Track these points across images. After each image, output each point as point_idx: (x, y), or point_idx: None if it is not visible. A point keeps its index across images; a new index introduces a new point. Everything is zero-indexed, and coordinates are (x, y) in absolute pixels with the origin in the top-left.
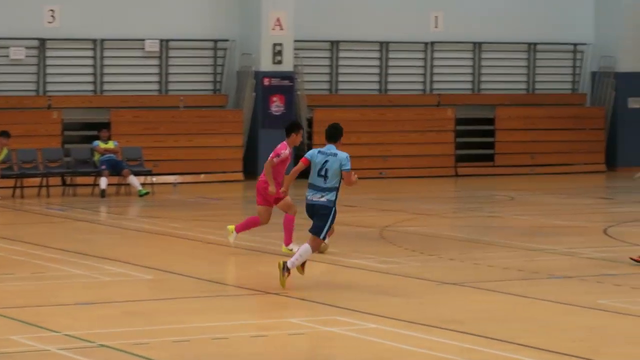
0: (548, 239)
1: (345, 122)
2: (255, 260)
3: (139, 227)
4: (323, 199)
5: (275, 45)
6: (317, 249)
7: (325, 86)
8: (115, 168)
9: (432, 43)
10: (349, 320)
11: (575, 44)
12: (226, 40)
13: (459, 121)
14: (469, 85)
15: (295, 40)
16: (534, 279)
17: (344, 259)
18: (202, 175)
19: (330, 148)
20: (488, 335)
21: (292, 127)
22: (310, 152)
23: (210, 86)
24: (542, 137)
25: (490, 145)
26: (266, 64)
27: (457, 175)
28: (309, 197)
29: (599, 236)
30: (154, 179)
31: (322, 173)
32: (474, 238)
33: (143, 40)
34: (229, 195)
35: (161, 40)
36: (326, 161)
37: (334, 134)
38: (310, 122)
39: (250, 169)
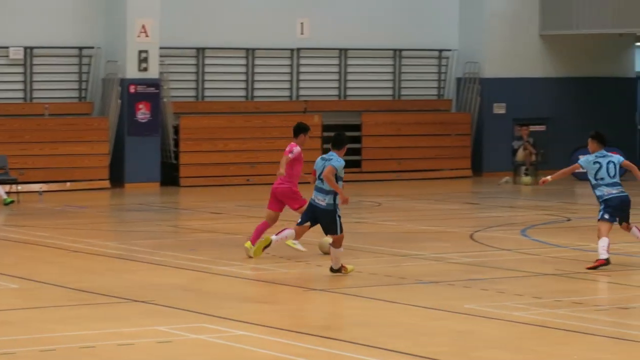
0: (415, 244)
1: (212, 129)
2: (123, 267)
3: (4, 236)
4: (323, 203)
5: (140, 52)
6: (340, 243)
7: (192, 93)
8: None
9: (298, 49)
10: (217, 327)
11: (440, 50)
12: (91, 48)
13: (326, 127)
14: (335, 92)
15: (161, 47)
16: (401, 284)
17: (212, 267)
18: (68, 184)
19: (331, 154)
20: (356, 340)
21: (300, 129)
22: (316, 161)
23: (75, 94)
24: (409, 142)
25: (357, 152)
26: (132, 71)
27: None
28: (312, 197)
29: (466, 241)
30: (19, 187)
31: (321, 177)
32: (345, 244)
33: (7, 47)
34: (95, 203)
35: (25, 48)
36: (324, 166)
37: (335, 141)
38: (176, 130)
39: (117, 176)
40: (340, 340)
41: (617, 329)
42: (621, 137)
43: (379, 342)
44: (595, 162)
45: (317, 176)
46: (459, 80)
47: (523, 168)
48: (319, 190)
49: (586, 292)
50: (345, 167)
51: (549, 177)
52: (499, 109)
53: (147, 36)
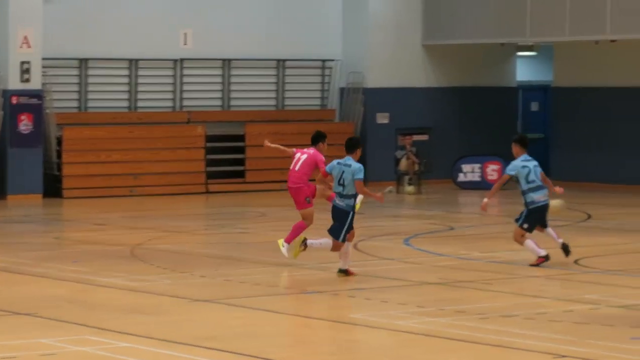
0: (300, 254)
1: (95, 141)
2: (7, 280)
3: None
4: (343, 204)
5: (22, 63)
6: (337, 249)
7: (75, 104)
8: None
9: (182, 60)
10: (100, 339)
11: (323, 60)
12: None
13: (210, 138)
14: (219, 102)
15: (44, 58)
16: (286, 294)
17: (95, 278)
18: None
19: (347, 160)
20: (241, 351)
21: (318, 137)
22: (330, 164)
23: None
24: None
25: (241, 162)
26: (14, 83)
27: (208, 192)
28: (335, 201)
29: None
30: None
31: (341, 182)
32: (225, 254)
33: None
34: None
35: None
36: (343, 172)
37: (350, 146)
38: (59, 141)
39: None
40: (226, 351)
41: (499, 337)
42: (503, 146)
43: (262, 352)
44: (523, 167)
45: (337, 182)
46: (342, 90)
47: (406, 177)
48: (339, 194)
49: (469, 300)
50: (228, 177)
51: (486, 199)
52: (382, 118)
53: (29, 47)
